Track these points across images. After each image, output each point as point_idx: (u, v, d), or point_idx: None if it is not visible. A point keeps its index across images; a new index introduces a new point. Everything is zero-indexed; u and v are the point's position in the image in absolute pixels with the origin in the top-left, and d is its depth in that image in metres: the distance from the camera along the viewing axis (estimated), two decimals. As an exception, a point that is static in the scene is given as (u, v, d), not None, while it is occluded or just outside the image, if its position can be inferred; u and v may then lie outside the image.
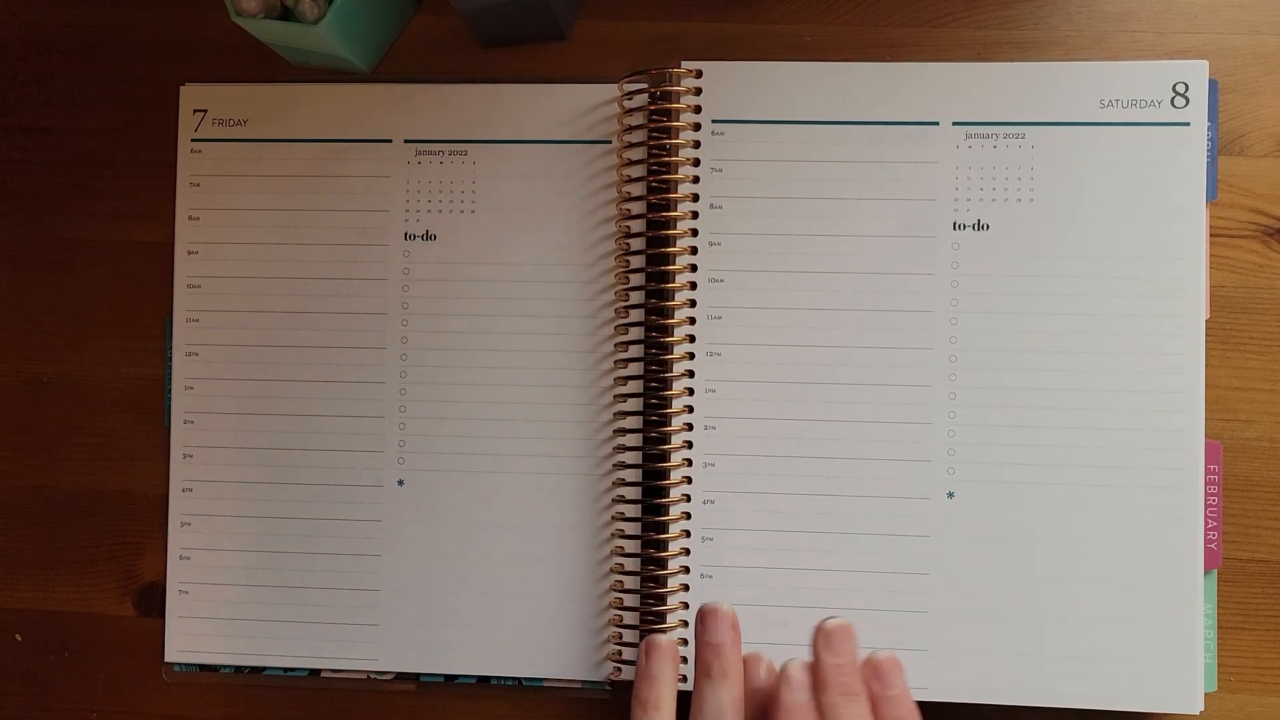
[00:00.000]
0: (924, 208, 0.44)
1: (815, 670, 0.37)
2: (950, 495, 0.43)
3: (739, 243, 0.44)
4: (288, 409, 0.46)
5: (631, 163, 0.45)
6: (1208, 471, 0.43)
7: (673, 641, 0.41)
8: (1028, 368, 0.43)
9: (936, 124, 0.44)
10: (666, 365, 0.44)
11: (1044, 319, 0.43)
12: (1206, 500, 0.43)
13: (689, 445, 0.44)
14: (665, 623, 0.43)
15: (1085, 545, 0.43)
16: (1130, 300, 0.43)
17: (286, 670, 0.46)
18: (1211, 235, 0.44)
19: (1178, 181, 0.43)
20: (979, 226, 0.44)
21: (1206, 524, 0.43)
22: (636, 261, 0.44)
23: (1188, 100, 0.43)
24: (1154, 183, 0.43)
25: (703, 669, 0.38)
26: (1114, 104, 0.43)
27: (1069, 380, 0.43)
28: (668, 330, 0.44)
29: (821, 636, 0.37)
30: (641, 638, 0.43)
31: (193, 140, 0.47)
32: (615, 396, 0.45)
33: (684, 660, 0.43)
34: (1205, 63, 0.43)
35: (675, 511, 0.44)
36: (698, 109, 0.45)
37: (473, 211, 0.46)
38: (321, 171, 0.47)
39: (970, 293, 0.44)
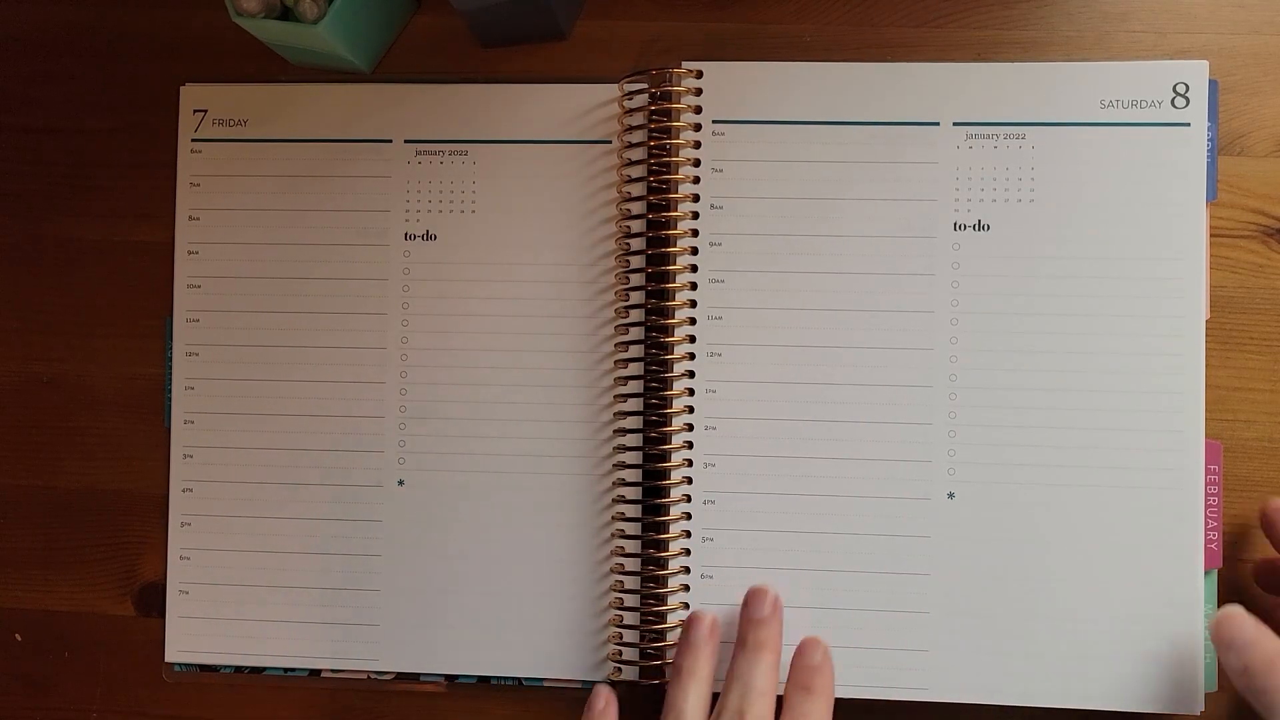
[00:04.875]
0: (924, 208, 0.44)
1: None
2: (950, 496, 0.43)
3: (739, 243, 0.44)
4: (288, 409, 0.46)
5: (632, 163, 0.45)
6: (1208, 471, 0.43)
7: (715, 617, 0.42)
8: (1028, 368, 0.43)
9: (937, 124, 0.44)
10: (667, 365, 0.44)
11: (1044, 319, 0.43)
12: (1206, 500, 0.43)
13: (689, 445, 0.44)
14: (665, 623, 0.43)
15: (1085, 545, 0.42)
16: (1130, 300, 0.43)
17: (286, 670, 0.46)
18: (1211, 235, 0.44)
19: (1178, 181, 0.43)
20: (979, 227, 0.44)
21: (1207, 524, 0.43)
22: (637, 262, 0.44)
23: (1188, 100, 0.43)
24: (1154, 183, 0.43)
25: (739, 641, 0.41)
26: (1114, 104, 0.43)
27: (1069, 381, 0.43)
28: (668, 330, 0.44)
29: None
30: (642, 638, 0.43)
31: (193, 140, 0.47)
32: (615, 397, 0.45)
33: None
34: (1205, 63, 0.43)
35: (675, 511, 0.44)
36: (698, 109, 0.45)
37: (473, 211, 0.46)
38: (321, 171, 0.47)
39: (971, 293, 0.43)
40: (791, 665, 0.41)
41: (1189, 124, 0.43)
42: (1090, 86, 0.43)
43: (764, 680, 0.40)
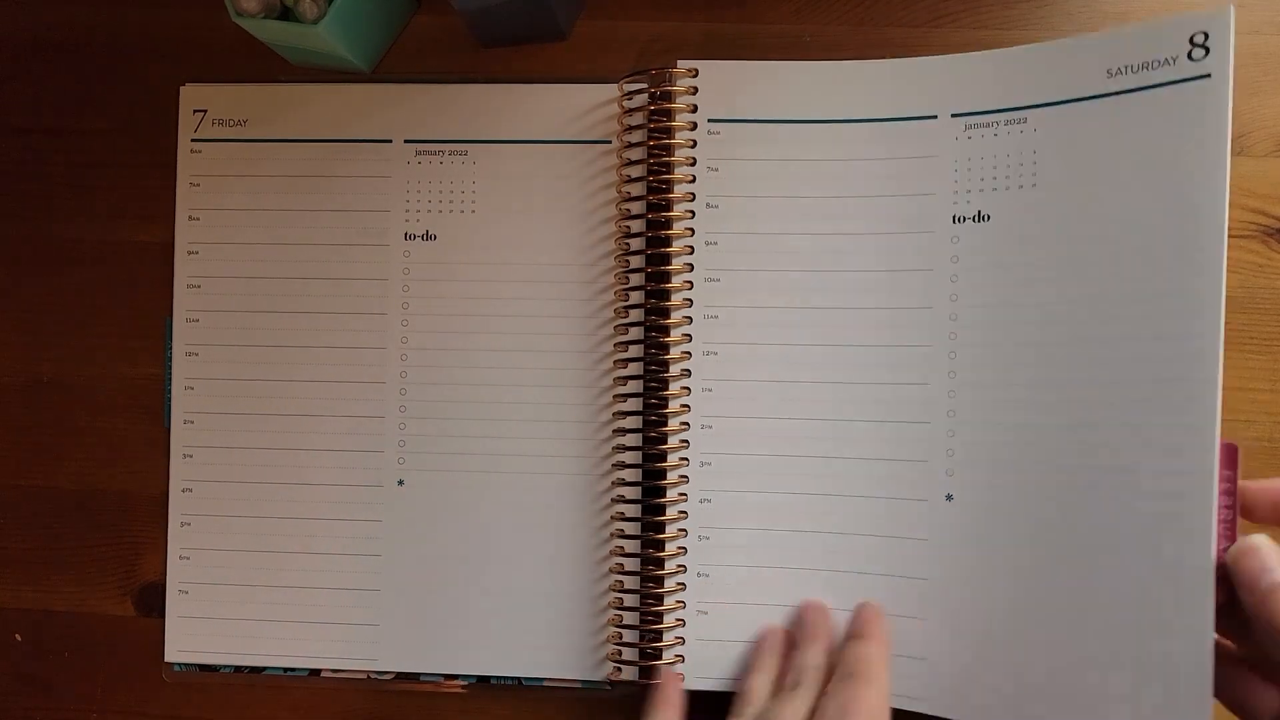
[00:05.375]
0: (922, 202, 0.43)
1: None
2: (949, 498, 0.42)
3: (736, 242, 0.44)
4: (288, 409, 0.46)
5: (631, 163, 0.45)
6: (1222, 479, 0.37)
7: (786, 630, 0.43)
8: (1030, 364, 0.41)
9: (934, 117, 0.43)
10: (665, 365, 0.44)
11: (1047, 309, 0.40)
12: (1220, 514, 0.37)
13: (686, 445, 0.44)
14: (664, 622, 0.43)
15: (1094, 553, 0.38)
16: (1143, 282, 0.38)
17: (286, 670, 0.46)
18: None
19: (1196, 139, 0.38)
20: (979, 218, 0.42)
21: (1220, 536, 0.37)
22: (635, 261, 0.44)
23: (1207, 50, 0.38)
24: (1170, 148, 0.38)
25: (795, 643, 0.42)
26: (1123, 70, 0.40)
27: (1076, 376, 0.40)
28: (666, 330, 0.44)
29: None
30: (641, 637, 0.43)
31: (193, 140, 0.47)
32: (614, 396, 0.45)
33: (682, 661, 0.43)
34: (1230, 8, 0.37)
35: (673, 511, 0.43)
36: (694, 108, 0.44)
37: (473, 211, 0.46)
38: (321, 171, 0.47)
39: (970, 287, 0.42)
40: (848, 624, 0.42)
41: (1209, 75, 0.38)
42: (1095, 58, 0.40)
43: (817, 658, 0.41)
